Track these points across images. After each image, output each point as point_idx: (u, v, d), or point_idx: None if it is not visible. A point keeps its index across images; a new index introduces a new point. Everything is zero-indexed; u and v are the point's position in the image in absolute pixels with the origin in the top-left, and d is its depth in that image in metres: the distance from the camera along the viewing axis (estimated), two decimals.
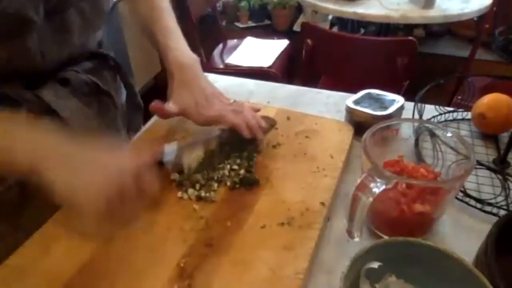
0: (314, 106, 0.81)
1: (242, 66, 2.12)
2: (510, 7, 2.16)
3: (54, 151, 0.46)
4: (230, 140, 0.63)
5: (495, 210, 0.55)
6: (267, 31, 2.70)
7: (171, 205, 0.56)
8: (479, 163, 0.61)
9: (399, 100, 0.71)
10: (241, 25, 2.79)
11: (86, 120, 0.63)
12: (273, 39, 2.40)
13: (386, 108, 0.69)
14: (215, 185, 0.59)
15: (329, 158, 0.64)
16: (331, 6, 1.87)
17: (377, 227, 0.54)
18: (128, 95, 0.77)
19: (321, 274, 0.49)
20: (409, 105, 0.73)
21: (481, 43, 2.03)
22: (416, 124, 0.59)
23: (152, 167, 0.50)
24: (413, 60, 1.52)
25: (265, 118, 0.67)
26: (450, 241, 0.53)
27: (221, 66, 2.14)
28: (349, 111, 0.71)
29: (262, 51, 2.25)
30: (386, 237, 0.52)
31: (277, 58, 2.16)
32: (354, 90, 0.76)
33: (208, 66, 2.13)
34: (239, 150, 0.64)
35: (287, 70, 2.20)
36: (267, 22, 2.79)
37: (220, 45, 2.37)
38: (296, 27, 2.62)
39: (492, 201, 0.56)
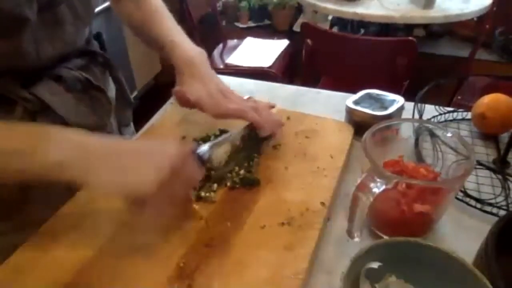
0: (314, 106, 0.81)
1: (242, 66, 2.12)
2: (510, 7, 2.16)
3: (90, 150, 0.46)
4: (250, 137, 0.63)
5: (495, 210, 0.55)
6: (267, 31, 2.70)
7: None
8: (479, 163, 0.61)
9: (399, 100, 0.71)
10: (241, 25, 2.79)
11: (81, 116, 0.63)
12: (273, 39, 2.40)
13: (386, 108, 0.69)
14: (215, 185, 0.59)
15: (329, 158, 0.64)
16: (331, 6, 1.87)
17: (377, 227, 0.54)
18: (118, 90, 0.78)
19: (321, 274, 0.49)
20: (409, 105, 0.73)
21: (481, 43, 2.03)
22: (416, 124, 0.59)
23: (194, 157, 0.52)
24: (413, 60, 1.53)
25: None
26: (450, 241, 0.53)
27: (221, 66, 2.15)
28: (349, 111, 0.71)
29: (262, 51, 2.25)
30: (386, 237, 0.52)
31: (277, 58, 2.16)
32: (354, 90, 0.76)
33: None
34: (258, 146, 0.65)
35: (287, 70, 2.20)
36: (267, 22, 2.79)
37: (220, 45, 2.37)
38: (296, 27, 2.62)
39: (492, 201, 0.56)
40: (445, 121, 0.76)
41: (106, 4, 1.54)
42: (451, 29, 2.55)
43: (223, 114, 0.62)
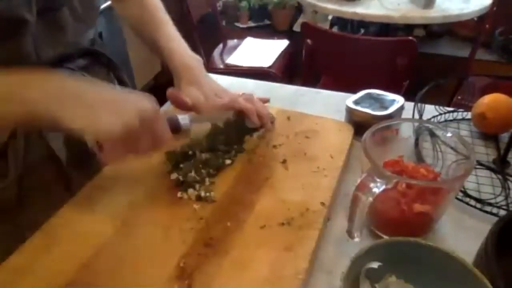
0: (314, 106, 0.81)
1: (242, 66, 2.12)
2: (510, 7, 2.16)
3: (65, 90, 0.48)
4: (237, 123, 0.66)
5: (495, 210, 0.55)
6: (267, 31, 2.70)
7: (171, 205, 0.56)
8: (479, 163, 0.61)
9: (399, 100, 0.71)
10: (241, 25, 2.79)
11: None
12: (273, 39, 2.40)
13: (386, 108, 0.69)
14: (207, 180, 0.59)
15: (329, 158, 0.64)
16: (331, 6, 1.87)
17: (377, 227, 0.54)
18: None
19: (321, 274, 0.49)
20: (409, 105, 0.73)
21: (481, 43, 2.03)
22: (416, 124, 0.59)
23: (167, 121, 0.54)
24: (413, 60, 1.53)
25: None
26: (450, 241, 0.53)
27: (221, 66, 2.15)
28: (349, 111, 0.71)
29: (262, 51, 2.25)
30: (386, 237, 0.52)
31: (277, 58, 2.16)
32: (354, 90, 0.76)
33: (208, 66, 2.13)
34: (242, 134, 0.67)
35: (287, 70, 2.20)
36: (267, 22, 2.79)
37: (220, 45, 2.37)
38: (296, 27, 2.62)
39: (492, 201, 0.56)
40: (445, 121, 0.76)
41: (107, 3, 1.54)
42: (451, 29, 2.55)
43: (216, 109, 0.64)
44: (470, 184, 0.60)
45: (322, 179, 0.60)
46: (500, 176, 0.61)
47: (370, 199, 0.45)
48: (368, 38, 1.88)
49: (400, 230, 0.48)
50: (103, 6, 1.65)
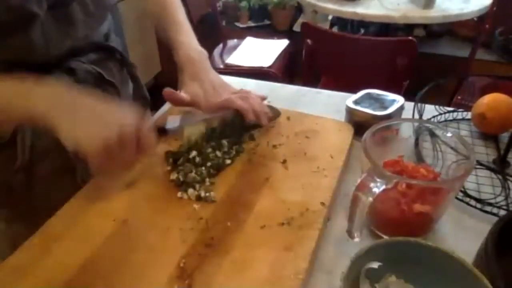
0: (314, 106, 0.81)
1: (242, 66, 2.12)
2: (510, 7, 2.16)
3: (60, 100, 0.51)
4: (232, 122, 0.66)
5: (495, 210, 0.55)
6: (267, 31, 2.69)
7: (171, 205, 0.56)
8: (479, 163, 0.61)
9: (399, 100, 0.71)
10: (241, 25, 2.79)
11: None
12: (273, 39, 2.40)
13: (386, 108, 0.69)
14: (207, 180, 0.59)
15: (329, 158, 0.64)
16: (331, 6, 1.87)
17: (377, 227, 0.54)
18: (134, 88, 0.79)
19: (321, 274, 0.49)
20: (409, 105, 0.73)
21: (481, 43, 2.03)
22: (416, 124, 0.59)
23: (152, 128, 0.56)
24: (413, 60, 1.53)
25: (270, 107, 0.70)
26: (450, 241, 0.53)
27: (221, 66, 2.14)
28: (349, 111, 0.71)
29: (262, 51, 2.25)
30: (386, 237, 0.52)
31: (277, 58, 2.16)
32: (354, 90, 0.76)
33: None
34: (240, 133, 0.67)
35: (287, 70, 2.20)
36: (267, 22, 2.79)
37: (220, 45, 2.37)
38: (296, 27, 2.61)
39: (492, 201, 0.56)
40: (445, 121, 0.76)
41: (113, 2, 1.54)
42: (451, 29, 2.55)
43: (212, 108, 0.66)
44: (470, 184, 0.60)
45: (322, 179, 0.60)
46: (500, 176, 0.61)
47: (370, 199, 0.45)
48: (368, 38, 1.88)
49: (400, 230, 0.48)
50: None
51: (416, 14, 1.78)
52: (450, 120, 0.76)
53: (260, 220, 0.53)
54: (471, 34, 2.31)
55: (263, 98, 0.72)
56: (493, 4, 1.86)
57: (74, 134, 0.49)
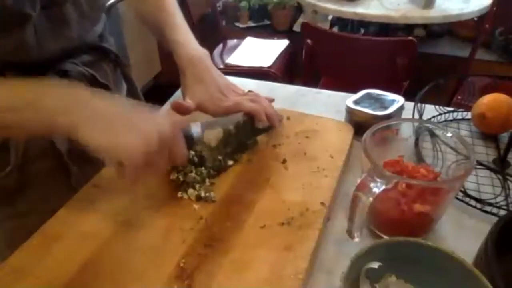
0: (314, 106, 0.81)
1: (242, 66, 2.12)
2: (510, 7, 2.16)
3: (88, 104, 0.48)
4: (245, 125, 0.64)
5: (495, 210, 0.55)
6: (267, 31, 2.69)
7: (171, 205, 0.56)
8: (479, 163, 0.61)
9: (399, 100, 0.71)
10: (241, 25, 2.79)
11: None
12: (273, 39, 2.40)
13: (386, 108, 0.69)
14: (207, 180, 0.59)
15: (329, 158, 0.64)
16: (331, 6, 1.87)
17: (377, 227, 0.54)
18: (129, 89, 0.78)
19: (321, 274, 0.49)
20: (409, 105, 0.73)
21: (481, 43, 2.03)
22: (416, 124, 0.59)
23: (183, 136, 0.54)
24: (413, 60, 1.53)
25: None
26: (450, 241, 0.53)
27: (221, 66, 2.14)
28: (349, 111, 0.71)
29: (262, 51, 2.25)
30: (386, 237, 0.52)
31: (277, 58, 2.16)
32: (354, 90, 0.76)
33: None
34: (253, 136, 0.66)
35: (287, 70, 2.20)
36: (267, 22, 2.79)
37: (220, 45, 2.37)
38: (296, 27, 2.61)
39: (492, 201, 0.56)
40: (445, 121, 0.76)
41: (109, 2, 1.54)
42: (451, 29, 2.55)
43: (221, 113, 0.64)
44: (470, 184, 0.60)
45: (322, 179, 0.60)
46: (500, 176, 0.61)
47: (370, 199, 0.45)
48: (368, 38, 1.88)
49: (400, 230, 0.48)
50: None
51: (416, 14, 1.79)
52: (450, 120, 0.76)
53: (260, 220, 0.53)
54: (471, 34, 2.31)
55: (271, 100, 0.70)
56: (493, 4, 1.86)
57: (108, 140, 0.46)
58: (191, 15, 2.02)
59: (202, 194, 0.57)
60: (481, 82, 1.68)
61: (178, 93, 0.81)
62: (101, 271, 0.48)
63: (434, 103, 0.77)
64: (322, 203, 0.55)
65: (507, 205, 0.56)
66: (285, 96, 0.85)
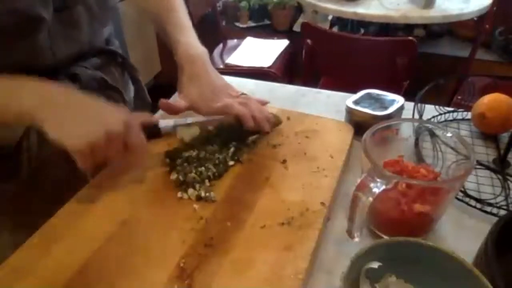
0: (314, 106, 0.81)
1: (242, 66, 2.12)
2: (510, 7, 2.16)
3: (48, 97, 0.51)
4: (231, 127, 0.64)
5: (495, 210, 0.55)
6: (267, 31, 2.69)
7: (171, 205, 0.56)
8: (479, 163, 0.61)
9: (399, 100, 0.71)
10: (241, 25, 2.79)
11: None
12: (273, 39, 2.40)
13: (386, 108, 0.69)
14: (206, 181, 0.59)
15: (329, 158, 0.64)
16: (331, 6, 1.87)
17: (377, 227, 0.54)
18: (136, 90, 0.78)
19: (321, 274, 0.49)
20: (409, 105, 0.73)
21: (481, 43, 2.03)
22: (416, 124, 0.59)
23: (143, 127, 0.56)
24: (413, 60, 1.53)
25: (271, 114, 0.68)
26: (450, 241, 0.53)
27: (221, 66, 2.14)
28: (349, 111, 0.71)
29: (262, 51, 2.25)
30: (386, 237, 0.52)
31: (277, 58, 2.16)
32: (354, 90, 0.76)
33: None
34: (239, 139, 0.65)
35: (287, 70, 2.20)
36: (267, 22, 2.79)
37: (220, 45, 2.37)
38: (296, 27, 2.61)
39: (492, 201, 0.56)
40: (445, 121, 0.76)
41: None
42: (451, 29, 2.55)
43: (212, 113, 0.65)
44: (470, 184, 0.60)
45: (322, 179, 0.60)
46: (500, 176, 0.61)
47: (370, 199, 0.45)
48: (368, 38, 1.88)
49: (400, 230, 0.48)
50: None
51: (416, 14, 1.78)
52: (450, 120, 0.76)
53: (260, 220, 0.53)
54: (471, 34, 2.31)
55: (265, 103, 0.70)
56: (493, 4, 1.86)
57: (59, 132, 0.49)
58: (191, 15, 2.01)
59: (202, 194, 0.57)
60: (481, 82, 1.67)
61: None
62: (101, 271, 0.48)
63: (434, 103, 0.77)
64: (322, 203, 0.55)
65: (507, 205, 0.56)
66: (285, 96, 0.85)
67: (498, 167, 0.64)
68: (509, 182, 0.59)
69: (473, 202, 0.57)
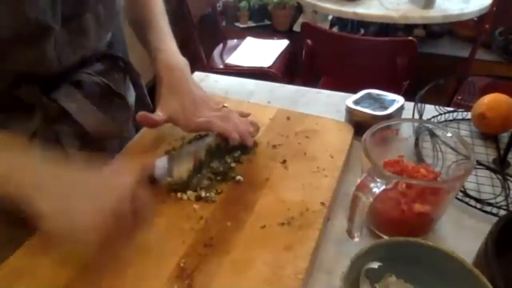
0: (314, 106, 0.81)
1: (242, 66, 2.12)
2: (510, 7, 2.16)
3: (42, 177, 0.43)
4: (218, 148, 0.62)
5: (495, 210, 0.55)
6: (267, 31, 2.69)
7: (171, 205, 0.56)
8: (479, 163, 0.61)
9: (399, 100, 0.71)
10: (241, 25, 2.79)
11: (100, 123, 0.63)
12: (273, 39, 2.40)
13: (386, 108, 0.69)
14: (205, 181, 0.59)
15: (329, 158, 0.64)
16: (331, 6, 1.87)
17: (377, 227, 0.54)
18: (138, 95, 0.77)
19: (321, 274, 0.49)
20: (409, 105, 0.73)
21: (481, 43, 2.03)
22: (416, 124, 0.59)
23: (144, 185, 0.47)
24: (413, 60, 1.53)
25: (251, 122, 0.67)
26: (450, 241, 0.53)
27: (221, 66, 2.15)
28: (349, 111, 0.71)
29: (262, 51, 2.25)
30: (386, 237, 0.52)
31: (277, 58, 2.16)
32: (354, 90, 0.76)
33: (208, 66, 2.13)
34: (228, 155, 0.64)
35: (287, 70, 2.20)
36: (267, 22, 2.79)
37: (220, 45, 2.37)
38: (296, 27, 2.61)
39: (492, 201, 0.56)
40: (445, 121, 0.76)
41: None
42: (451, 29, 2.55)
43: (192, 130, 0.63)
44: (470, 184, 0.60)
45: (322, 179, 0.60)
46: (500, 176, 0.61)
47: (370, 199, 0.45)
48: (368, 38, 1.88)
49: (400, 230, 0.48)
50: None
51: (416, 14, 1.79)
52: (450, 120, 0.76)
53: (260, 220, 0.53)
54: (471, 34, 2.31)
55: (245, 115, 0.67)
56: (493, 4, 1.86)
57: (64, 216, 0.41)
58: (191, 15, 2.02)
59: (202, 194, 0.57)
60: (481, 82, 1.67)
61: None
62: (101, 271, 0.48)
63: (434, 103, 0.77)
64: (322, 203, 0.55)
65: (507, 205, 0.56)
66: (285, 96, 0.85)
67: (498, 167, 0.64)
68: (509, 182, 0.59)
69: (473, 202, 0.57)
